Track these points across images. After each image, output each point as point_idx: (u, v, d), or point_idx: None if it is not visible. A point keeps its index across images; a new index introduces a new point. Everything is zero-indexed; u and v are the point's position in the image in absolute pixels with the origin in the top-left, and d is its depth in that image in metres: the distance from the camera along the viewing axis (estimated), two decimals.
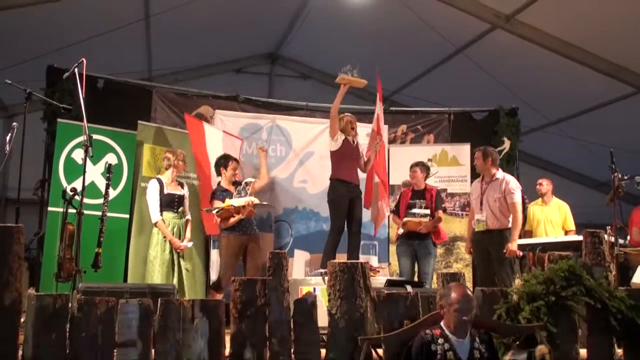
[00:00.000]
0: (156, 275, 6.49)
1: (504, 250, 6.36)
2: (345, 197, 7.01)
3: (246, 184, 6.90)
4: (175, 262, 6.60)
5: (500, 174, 6.72)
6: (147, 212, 7.08)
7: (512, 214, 6.49)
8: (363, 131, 7.88)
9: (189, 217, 6.92)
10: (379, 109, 7.68)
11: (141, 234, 7.40)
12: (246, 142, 8.26)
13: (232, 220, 6.78)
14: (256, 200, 6.85)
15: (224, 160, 7.16)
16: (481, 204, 6.64)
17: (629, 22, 9.06)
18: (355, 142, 7.29)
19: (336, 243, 6.97)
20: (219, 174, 7.19)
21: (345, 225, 7.08)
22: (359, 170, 7.33)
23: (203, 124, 7.87)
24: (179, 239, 6.72)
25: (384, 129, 8.03)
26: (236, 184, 7.01)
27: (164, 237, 6.62)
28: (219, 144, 7.78)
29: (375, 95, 7.80)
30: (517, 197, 6.52)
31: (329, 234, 7.09)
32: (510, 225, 6.49)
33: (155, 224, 6.68)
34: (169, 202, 6.73)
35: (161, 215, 6.68)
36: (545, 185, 8.44)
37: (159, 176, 6.93)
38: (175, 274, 6.57)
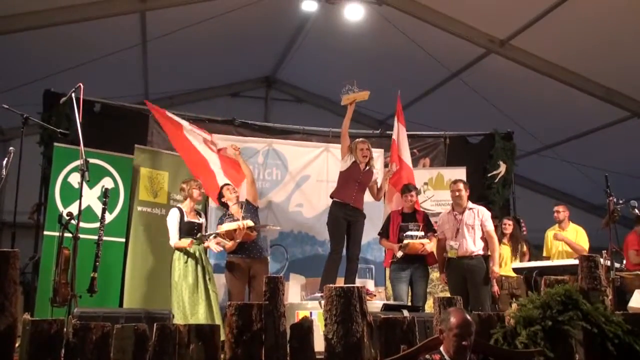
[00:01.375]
0: (183, 302, 6.40)
1: (489, 274, 6.88)
2: (340, 219, 7.02)
3: (243, 204, 6.88)
4: (201, 287, 6.52)
5: (471, 204, 7.15)
6: (144, 238, 7.21)
7: (491, 240, 7.02)
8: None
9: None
10: (395, 134, 7.80)
11: (137, 258, 7.39)
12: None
13: (227, 245, 6.69)
14: (250, 223, 6.71)
15: (220, 192, 7.17)
16: (457, 232, 6.98)
17: (623, 47, 9.15)
18: (367, 168, 7.23)
19: (334, 266, 6.92)
20: (225, 205, 7.12)
21: (345, 249, 7.09)
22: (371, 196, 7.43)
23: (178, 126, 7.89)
24: (201, 263, 6.62)
25: (405, 152, 8.18)
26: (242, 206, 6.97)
27: (185, 262, 6.55)
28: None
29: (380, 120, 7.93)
30: (491, 225, 7.11)
31: (327, 257, 7.09)
32: (482, 251, 6.95)
33: (175, 247, 6.62)
34: (189, 230, 6.70)
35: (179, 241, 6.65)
36: (562, 211, 8.42)
37: (179, 205, 6.92)
38: (203, 297, 6.49)
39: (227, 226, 6.65)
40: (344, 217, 7.03)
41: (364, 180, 7.21)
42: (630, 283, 6.62)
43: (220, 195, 7.12)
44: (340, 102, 7.43)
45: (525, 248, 8.40)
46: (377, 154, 8.84)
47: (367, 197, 7.58)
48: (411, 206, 7.35)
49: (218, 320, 6.26)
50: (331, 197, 7.21)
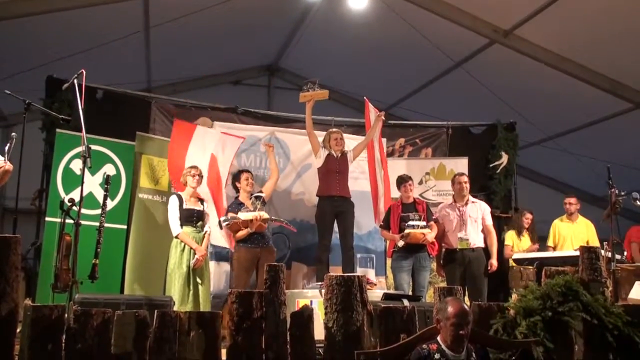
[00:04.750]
0: (174, 289, 6.50)
1: (488, 267, 7.09)
2: (328, 214, 7.28)
3: (256, 198, 6.92)
4: (191, 276, 6.59)
5: (472, 197, 7.42)
6: (145, 225, 7.38)
7: (490, 235, 7.30)
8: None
9: (207, 230, 6.87)
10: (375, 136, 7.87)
11: (138, 245, 7.41)
12: (245, 154, 8.26)
13: (240, 233, 6.83)
14: (265, 215, 6.88)
15: (237, 175, 7.25)
16: (462, 224, 7.19)
17: (627, 39, 9.11)
18: (341, 155, 7.47)
19: (324, 259, 7.19)
20: (237, 190, 7.29)
21: (339, 241, 7.31)
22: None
23: (196, 127, 7.92)
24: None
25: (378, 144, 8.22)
26: (251, 196, 7.03)
27: (181, 251, 6.62)
28: (212, 143, 7.80)
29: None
30: (491, 219, 7.46)
31: (316, 251, 7.35)
32: (482, 244, 7.23)
33: (177, 237, 6.67)
34: (188, 217, 6.74)
35: (181, 228, 6.70)
36: (574, 204, 8.46)
37: (179, 192, 6.94)
38: (192, 287, 6.57)
39: (245, 215, 6.77)
40: (332, 209, 7.27)
41: (342, 169, 7.43)
42: (622, 274, 6.62)
43: (237, 178, 7.22)
44: (346, 92, 7.54)
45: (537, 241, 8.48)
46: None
47: (360, 186, 7.67)
48: (409, 196, 7.40)
49: (205, 310, 6.32)
50: (317, 195, 7.47)
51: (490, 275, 7.20)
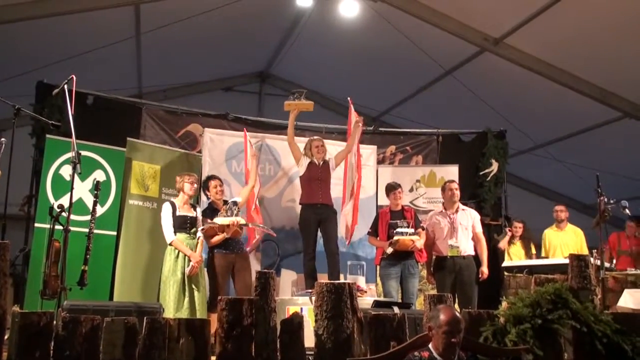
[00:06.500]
0: (169, 296, 6.46)
1: (479, 275, 7.02)
2: (311, 221, 7.29)
3: (234, 203, 6.86)
4: (186, 283, 6.57)
5: (462, 205, 7.36)
6: (135, 232, 7.32)
7: (480, 242, 7.21)
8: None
9: (200, 236, 6.83)
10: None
11: (128, 252, 7.37)
12: (235, 161, 8.25)
13: (215, 238, 6.72)
14: (242, 221, 6.79)
15: (205, 182, 7.16)
16: (453, 231, 7.11)
17: (617, 48, 9.17)
18: (322, 163, 7.47)
19: (311, 267, 7.20)
20: (207, 197, 7.19)
21: (323, 247, 7.32)
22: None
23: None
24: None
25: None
26: (225, 203, 6.98)
27: (176, 257, 6.59)
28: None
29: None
30: (481, 227, 7.37)
31: (303, 262, 7.35)
32: (472, 251, 7.14)
33: (171, 244, 6.64)
34: (181, 224, 6.72)
35: (175, 235, 6.67)
36: (563, 212, 8.52)
37: (172, 199, 6.92)
38: (187, 294, 6.55)
39: (222, 220, 6.67)
40: (315, 216, 7.28)
41: (324, 176, 7.44)
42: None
43: (206, 186, 7.10)
44: (337, 99, 7.55)
45: (534, 249, 8.49)
46: (370, 150, 8.89)
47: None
48: (398, 203, 7.41)
49: (201, 317, 6.28)
50: (300, 203, 7.49)
51: (485, 283, 7.20)
